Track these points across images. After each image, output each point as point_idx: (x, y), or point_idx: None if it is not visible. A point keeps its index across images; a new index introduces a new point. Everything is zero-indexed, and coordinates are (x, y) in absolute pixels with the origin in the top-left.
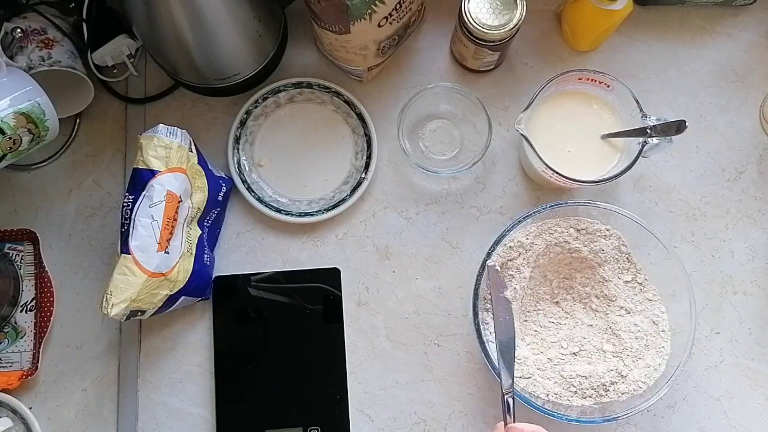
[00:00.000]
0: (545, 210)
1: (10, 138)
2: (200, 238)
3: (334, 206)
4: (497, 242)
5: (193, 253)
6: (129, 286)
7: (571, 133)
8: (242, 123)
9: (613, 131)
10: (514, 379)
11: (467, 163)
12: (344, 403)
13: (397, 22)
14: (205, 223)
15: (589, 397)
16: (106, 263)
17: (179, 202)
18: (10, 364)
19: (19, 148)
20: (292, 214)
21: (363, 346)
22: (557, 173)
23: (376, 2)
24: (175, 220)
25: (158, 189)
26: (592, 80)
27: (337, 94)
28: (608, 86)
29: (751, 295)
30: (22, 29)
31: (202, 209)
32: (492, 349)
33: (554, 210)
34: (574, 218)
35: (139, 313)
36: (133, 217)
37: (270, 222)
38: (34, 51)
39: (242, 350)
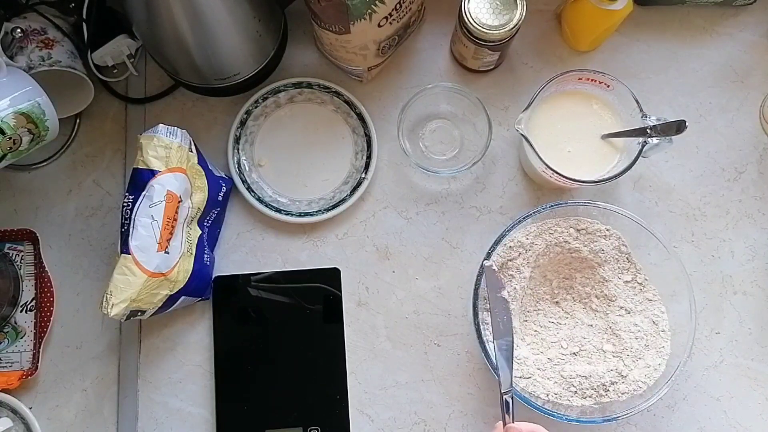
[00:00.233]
0: (545, 210)
1: (10, 138)
2: (200, 238)
3: (334, 206)
4: (497, 242)
5: (193, 253)
6: (129, 286)
7: (571, 133)
8: (242, 123)
9: (613, 131)
10: (514, 379)
11: (467, 163)
12: (344, 403)
13: (397, 22)
14: (205, 223)
15: (589, 397)
16: (106, 263)
17: (179, 202)
18: (10, 364)
19: (19, 148)
20: (292, 214)
21: (363, 346)
22: (557, 173)
23: (376, 2)
24: (175, 220)
25: (158, 189)
26: (592, 80)
27: (337, 94)
28: (608, 86)
29: (751, 295)
30: (22, 29)
31: (202, 209)
32: (492, 349)
33: (554, 210)
34: (574, 218)
35: (139, 313)
36: (133, 217)
37: (270, 222)
38: (34, 51)
39: (242, 350)
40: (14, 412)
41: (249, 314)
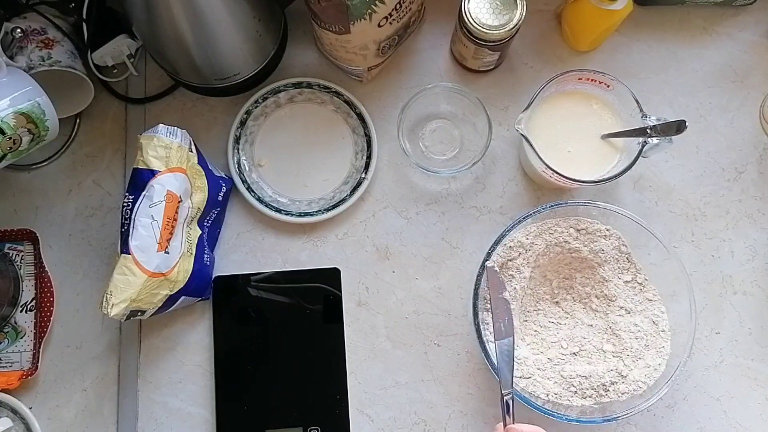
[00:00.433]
0: (545, 210)
1: (10, 138)
2: (200, 238)
3: (334, 206)
4: (497, 242)
5: (193, 253)
6: (129, 286)
7: (571, 133)
8: (242, 123)
9: (613, 131)
10: (515, 379)
11: (467, 163)
12: (344, 403)
13: (397, 22)
14: (205, 223)
15: (589, 397)
16: (106, 263)
17: (179, 202)
18: (10, 364)
19: (19, 148)
20: (292, 214)
21: (363, 346)
22: (557, 173)
23: (376, 2)
24: (175, 220)
25: (158, 189)
26: (592, 80)
27: (337, 94)
28: (608, 86)
29: (751, 295)
30: (22, 29)
31: (202, 209)
32: (492, 348)
33: (554, 210)
34: (574, 218)
35: (139, 313)
36: (133, 217)
37: (270, 222)
38: (34, 51)
39: (242, 350)
40: (14, 412)
41: (249, 314)
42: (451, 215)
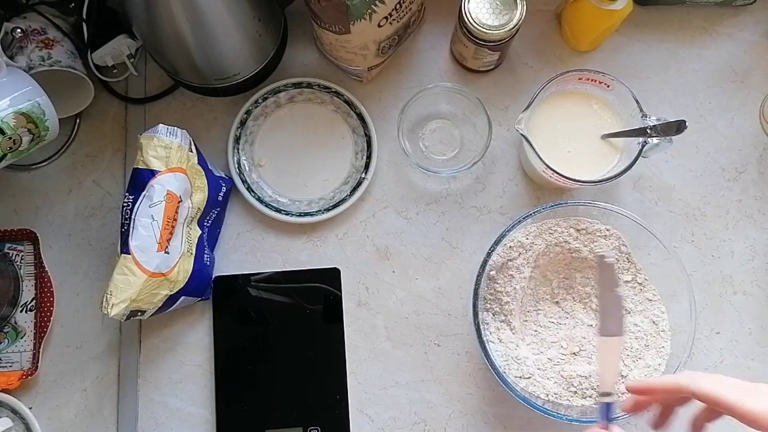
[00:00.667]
0: (545, 210)
1: (10, 138)
2: (200, 238)
3: (334, 206)
4: (497, 242)
5: (193, 253)
6: (129, 286)
7: (571, 133)
8: (242, 123)
9: (613, 131)
10: (514, 379)
11: (467, 163)
12: (344, 403)
13: (397, 22)
14: (205, 223)
15: (589, 397)
16: (106, 263)
17: (179, 202)
18: (10, 364)
19: (19, 148)
20: (292, 214)
21: (363, 346)
22: (557, 173)
23: (376, 2)
24: (175, 220)
25: (158, 189)
26: (592, 80)
27: (337, 94)
28: (608, 86)
29: (751, 295)
30: (22, 29)
31: (202, 209)
32: (492, 349)
33: (554, 210)
34: (574, 218)
35: (139, 313)
36: (133, 217)
37: (270, 222)
38: (34, 51)
39: (242, 350)
40: (14, 412)
41: (249, 314)
42: (451, 215)
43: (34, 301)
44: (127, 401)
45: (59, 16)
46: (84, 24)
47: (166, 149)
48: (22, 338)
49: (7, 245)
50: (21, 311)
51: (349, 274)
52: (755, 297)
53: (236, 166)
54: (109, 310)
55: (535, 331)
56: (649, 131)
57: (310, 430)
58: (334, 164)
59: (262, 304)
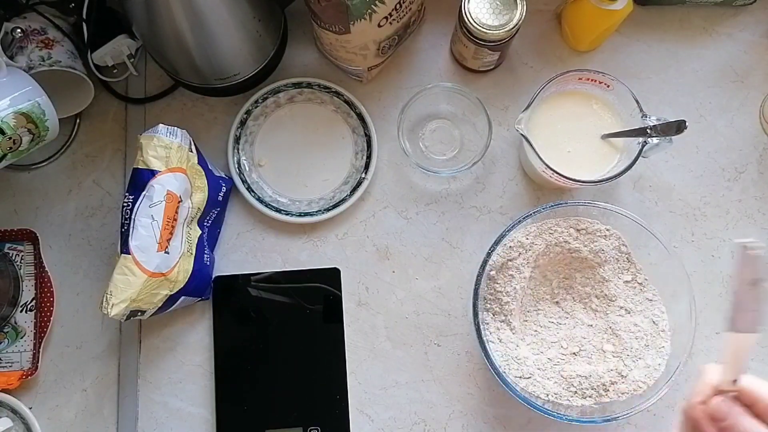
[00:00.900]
0: (545, 210)
1: (10, 138)
2: (200, 238)
3: (334, 206)
4: (497, 242)
5: (193, 253)
6: (129, 286)
7: (571, 133)
8: (242, 123)
9: (613, 131)
10: (514, 379)
11: (467, 163)
12: (344, 403)
13: (397, 22)
14: (205, 223)
15: (589, 397)
16: (106, 263)
17: (179, 202)
18: (10, 364)
19: (19, 148)
20: (292, 214)
21: (363, 346)
22: (557, 173)
23: (376, 2)
24: (175, 220)
25: (158, 189)
26: (592, 80)
27: (337, 94)
28: (608, 86)
29: None
30: (22, 29)
31: (202, 209)
32: (492, 349)
33: (554, 210)
34: (574, 218)
35: (139, 313)
36: (133, 217)
37: (270, 222)
38: (34, 51)
39: (242, 350)
40: (14, 412)
41: (249, 314)
42: (451, 215)
43: (34, 301)
44: (127, 401)
45: (59, 16)
46: (84, 24)
47: (166, 149)
48: (22, 338)
49: (7, 245)
50: (21, 311)
51: (349, 274)
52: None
53: (236, 166)
54: (109, 310)
55: (535, 331)
56: (649, 131)
57: (310, 430)
58: (334, 164)
59: (262, 304)
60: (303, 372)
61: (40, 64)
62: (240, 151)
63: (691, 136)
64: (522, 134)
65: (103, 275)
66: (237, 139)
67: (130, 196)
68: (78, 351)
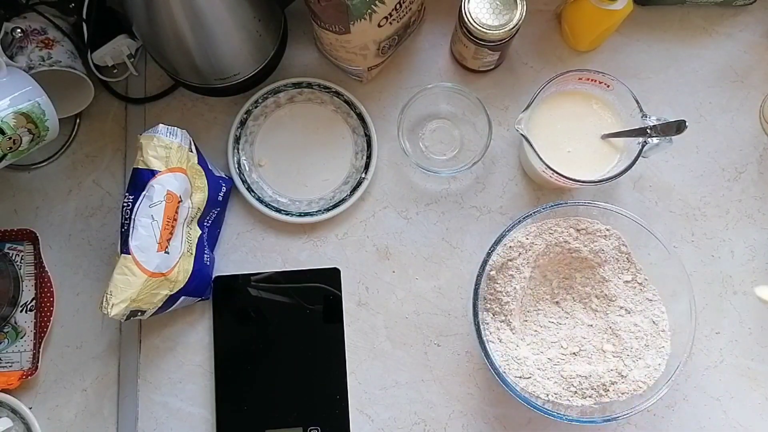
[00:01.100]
0: (545, 210)
1: (10, 138)
2: (200, 238)
3: (334, 206)
4: (497, 242)
5: (193, 253)
6: (129, 286)
7: (571, 133)
8: (242, 123)
9: (613, 131)
10: (514, 379)
11: (467, 163)
12: (344, 403)
13: (397, 22)
14: (205, 223)
15: (589, 397)
16: (106, 263)
17: (179, 202)
18: (10, 364)
19: (19, 148)
20: (292, 214)
21: (363, 346)
22: (557, 173)
23: (376, 2)
24: (175, 220)
25: (158, 189)
26: (592, 80)
27: (337, 94)
28: (608, 86)
29: (751, 295)
30: (22, 29)
31: (202, 209)
32: (492, 349)
33: (554, 210)
34: (574, 218)
35: (139, 313)
36: (133, 217)
37: (270, 222)
38: (34, 51)
39: (242, 350)
40: (14, 412)
41: (249, 314)
42: (451, 215)
43: (34, 301)
44: (127, 401)
45: (59, 16)
46: (84, 24)
47: (166, 149)
48: (22, 338)
49: (7, 245)
50: (21, 311)
51: (349, 274)
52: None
53: (236, 166)
54: (109, 310)
55: (535, 331)
56: (649, 131)
57: (310, 430)
58: (334, 164)
59: (262, 304)
60: (303, 372)
61: (40, 64)
62: (240, 151)
63: (691, 136)
64: (522, 134)
65: (103, 275)
66: (237, 139)
67: (130, 196)
68: (78, 351)
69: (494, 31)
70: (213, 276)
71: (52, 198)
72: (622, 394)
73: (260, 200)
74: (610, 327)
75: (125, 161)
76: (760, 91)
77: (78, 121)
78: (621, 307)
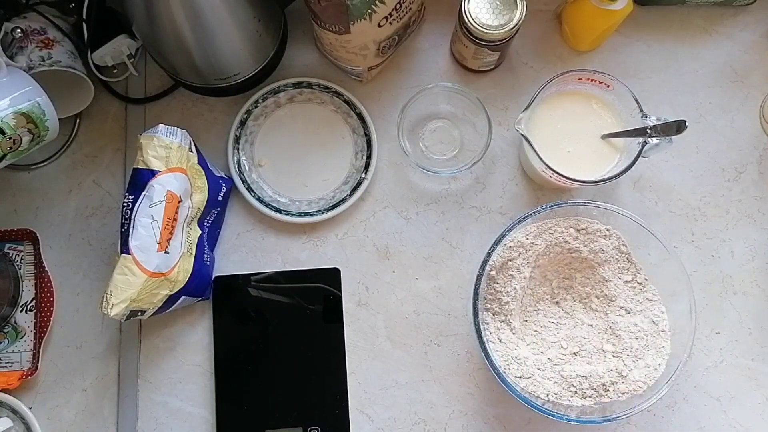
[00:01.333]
0: (545, 210)
1: (10, 138)
2: (200, 238)
3: (334, 206)
4: (497, 242)
5: (193, 253)
6: (129, 286)
7: (571, 133)
8: (242, 123)
9: (613, 131)
10: (514, 379)
11: (467, 163)
12: (344, 403)
13: (397, 22)
14: (205, 223)
15: (589, 397)
16: (106, 263)
17: (179, 202)
18: (10, 364)
19: (19, 148)
20: (292, 214)
21: (363, 346)
22: (557, 173)
23: (376, 2)
24: (175, 220)
25: (158, 189)
26: (592, 80)
27: (337, 94)
28: (608, 86)
29: (751, 295)
30: (22, 29)
31: (202, 209)
32: (492, 349)
33: (554, 210)
34: (574, 218)
35: (139, 313)
36: (133, 217)
37: (270, 222)
38: (34, 51)
39: (242, 350)
40: (14, 412)
41: (249, 314)
42: (451, 215)
43: (34, 301)
44: (127, 401)
45: (59, 16)
46: (84, 24)
47: (166, 149)
48: (22, 338)
49: (7, 245)
50: (21, 311)
51: (349, 274)
52: (755, 297)
53: (236, 166)
54: (109, 310)
55: (535, 331)
56: (649, 131)
57: (310, 430)
58: (334, 164)
59: (262, 304)
60: (303, 372)
61: (40, 64)
62: (240, 151)
63: (691, 136)
64: (522, 134)
65: (103, 275)
66: (237, 139)
67: (130, 196)
68: (78, 351)
69: (494, 31)
70: (213, 276)
71: (52, 198)
72: (622, 394)
73: (260, 200)
74: (610, 327)
75: (125, 161)
76: (760, 91)
77: (78, 121)
78: (621, 307)
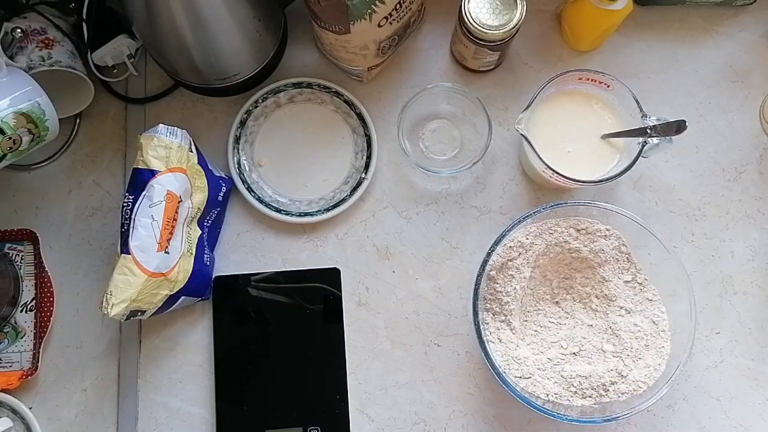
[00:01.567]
0: (545, 210)
1: (10, 138)
2: (200, 238)
3: (334, 206)
4: (497, 242)
5: (193, 253)
6: (129, 286)
7: (571, 133)
8: (242, 123)
9: (613, 131)
10: (514, 379)
11: (467, 163)
12: (344, 403)
13: (397, 22)
14: (205, 223)
15: (589, 397)
16: (106, 263)
17: (179, 202)
18: (10, 364)
19: (19, 148)
20: (292, 214)
21: (363, 346)
22: (557, 173)
23: (376, 2)
24: (175, 220)
25: (158, 189)
26: (592, 80)
27: (337, 94)
28: (608, 86)
29: (751, 295)
30: (22, 29)
31: (202, 209)
32: (492, 349)
33: (554, 210)
34: (574, 218)
35: (139, 313)
36: (133, 217)
37: (270, 222)
38: (34, 51)
39: (242, 350)
40: (14, 412)
41: (249, 314)
42: (451, 215)
43: (34, 301)
44: (127, 401)
45: (59, 16)
46: (84, 24)
47: (166, 149)
48: (22, 338)
49: (7, 245)
50: (21, 311)
51: (349, 274)
52: (755, 297)
53: (236, 166)
54: (109, 310)
55: (535, 331)
56: (649, 131)
57: (310, 430)
58: (334, 164)
59: (262, 304)
60: (303, 372)
61: (40, 64)
62: (240, 151)
63: (691, 136)
64: (522, 134)
65: (103, 275)
66: (237, 139)
67: (130, 196)
68: (78, 351)
69: (494, 31)
70: (213, 276)
71: (52, 198)
72: (622, 394)
73: (260, 200)
74: (610, 327)
75: (125, 161)
76: (760, 91)
77: (78, 121)
78: (621, 307)
